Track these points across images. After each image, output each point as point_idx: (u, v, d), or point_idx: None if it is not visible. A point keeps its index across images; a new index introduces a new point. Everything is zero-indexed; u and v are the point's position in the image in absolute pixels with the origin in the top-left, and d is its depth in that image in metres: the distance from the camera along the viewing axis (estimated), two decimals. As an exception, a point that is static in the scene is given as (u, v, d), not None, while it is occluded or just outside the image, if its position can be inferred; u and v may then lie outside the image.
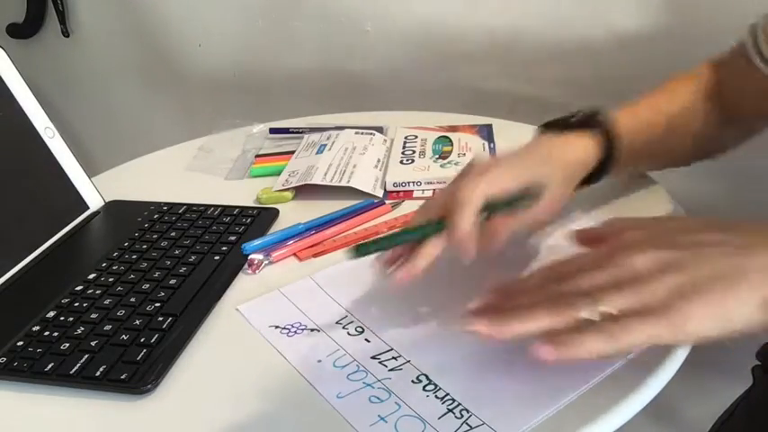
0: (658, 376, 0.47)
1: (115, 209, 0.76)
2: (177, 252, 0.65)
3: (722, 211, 1.00)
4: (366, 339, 0.53)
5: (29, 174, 0.71)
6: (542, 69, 1.03)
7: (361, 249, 0.52)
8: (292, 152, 0.84)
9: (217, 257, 0.64)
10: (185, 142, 0.93)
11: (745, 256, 0.42)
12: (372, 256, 0.54)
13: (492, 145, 0.81)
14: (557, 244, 0.61)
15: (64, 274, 0.64)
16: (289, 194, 0.75)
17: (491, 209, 0.53)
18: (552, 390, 0.46)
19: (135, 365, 0.51)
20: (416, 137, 0.85)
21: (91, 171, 0.77)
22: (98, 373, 0.51)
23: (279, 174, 0.79)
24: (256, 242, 0.66)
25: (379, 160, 0.80)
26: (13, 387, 0.52)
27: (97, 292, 0.60)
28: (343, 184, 0.74)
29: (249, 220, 0.70)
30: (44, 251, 0.68)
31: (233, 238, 0.67)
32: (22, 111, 0.72)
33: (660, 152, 0.66)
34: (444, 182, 0.74)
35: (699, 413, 0.96)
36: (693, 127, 0.66)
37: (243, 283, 0.62)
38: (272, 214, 0.71)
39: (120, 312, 0.57)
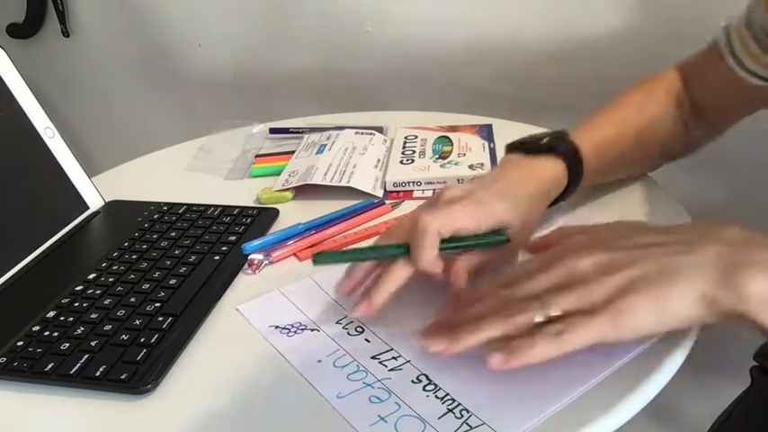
0: (658, 376, 0.47)
1: (115, 209, 0.76)
2: (177, 252, 0.65)
3: (722, 211, 1.00)
4: (366, 339, 0.53)
5: (29, 174, 0.71)
6: (542, 69, 1.03)
7: (320, 258, 0.53)
8: (292, 152, 0.84)
9: (217, 257, 0.64)
10: (185, 142, 0.93)
11: (684, 254, 0.44)
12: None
13: (492, 145, 0.81)
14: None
15: (64, 274, 0.64)
16: (289, 194, 0.75)
17: (458, 243, 0.52)
18: (552, 390, 0.46)
19: (135, 365, 0.51)
20: (416, 137, 0.85)
21: (91, 171, 0.77)
22: (98, 373, 0.51)
23: (279, 174, 0.79)
24: (256, 242, 0.66)
25: (379, 160, 0.80)
26: (13, 387, 0.52)
27: (97, 292, 0.60)
28: (343, 184, 0.74)
29: (249, 220, 0.70)
30: (44, 251, 0.68)
31: (233, 238, 0.67)
32: (22, 111, 0.72)
33: (628, 164, 0.67)
34: (444, 182, 0.74)
35: (698, 413, 0.96)
36: (662, 135, 0.67)
37: (243, 283, 0.62)
38: (272, 214, 0.71)
39: (120, 312, 0.57)
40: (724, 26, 0.63)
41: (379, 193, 0.74)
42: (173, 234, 0.69)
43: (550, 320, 0.45)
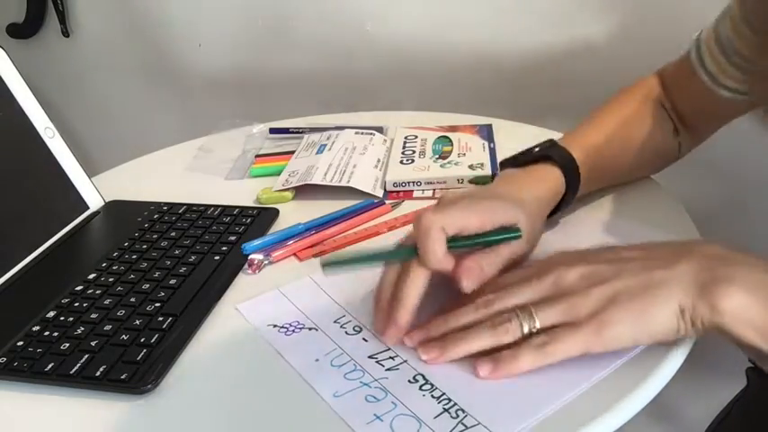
0: (658, 377, 0.47)
1: (115, 209, 0.76)
2: (177, 252, 0.66)
3: (722, 211, 1.00)
4: (363, 339, 0.53)
5: (29, 174, 0.71)
6: (542, 69, 1.03)
7: (329, 266, 0.52)
8: (292, 152, 0.84)
9: (217, 257, 0.64)
10: (185, 142, 0.93)
11: (664, 269, 0.46)
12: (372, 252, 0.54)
13: (492, 145, 0.81)
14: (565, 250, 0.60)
15: (64, 274, 0.64)
16: (289, 194, 0.75)
17: (467, 240, 0.51)
18: (548, 390, 0.46)
19: (135, 365, 0.51)
20: (416, 137, 0.85)
21: (91, 171, 0.77)
22: (98, 373, 0.51)
23: (279, 174, 0.79)
24: (256, 242, 0.66)
25: (379, 160, 0.80)
26: (13, 387, 0.52)
27: (97, 292, 0.60)
28: (343, 184, 0.74)
29: (249, 220, 0.70)
30: (44, 251, 0.68)
31: (233, 238, 0.67)
32: (22, 111, 0.72)
33: (620, 169, 0.67)
34: (444, 182, 0.74)
35: (696, 413, 0.96)
36: (653, 141, 0.67)
37: (243, 283, 0.62)
38: (272, 214, 0.72)
39: (121, 312, 0.57)
40: (695, 38, 0.64)
41: (379, 193, 0.74)
42: (173, 234, 0.69)
43: (537, 330, 0.47)
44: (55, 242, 0.69)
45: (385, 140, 0.85)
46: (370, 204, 0.71)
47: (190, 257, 0.64)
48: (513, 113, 0.89)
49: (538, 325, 0.47)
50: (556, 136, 0.65)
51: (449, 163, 0.77)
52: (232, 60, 1.29)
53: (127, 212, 0.74)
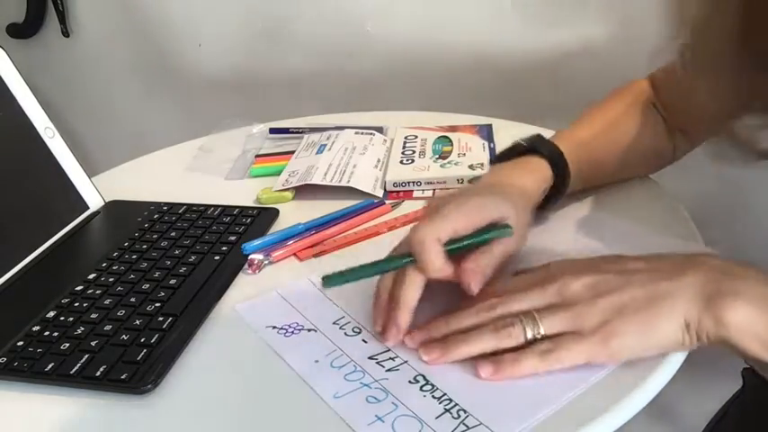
0: (657, 377, 0.47)
1: (115, 209, 0.76)
2: (177, 252, 0.66)
3: (722, 211, 1.00)
4: (363, 340, 0.53)
5: (29, 174, 0.71)
6: (542, 69, 1.03)
7: (329, 281, 0.52)
8: (292, 152, 0.84)
9: (217, 257, 0.64)
10: (185, 142, 0.93)
11: (670, 281, 0.47)
12: (371, 256, 0.54)
13: (492, 145, 0.81)
14: (565, 249, 0.60)
15: (64, 274, 0.64)
16: (289, 194, 0.75)
17: (459, 243, 0.52)
18: (550, 390, 0.46)
19: (135, 365, 0.51)
20: (416, 137, 0.85)
21: (91, 171, 0.77)
22: (98, 373, 0.51)
23: (279, 174, 0.79)
24: (256, 242, 0.66)
25: (379, 160, 0.80)
26: (13, 387, 0.52)
27: (97, 292, 0.60)
28: (343, 184, 0.74)
29: (249, 220, 0.70)
30: (44, 251, 0.68)
31: (233, 238, 0.67)
32: (22, 111, 0.72)
33: (613, 165, 0.67)
34: (444, 182, 0.74)
35: (694, 413, 0.96)
36: (640, 143, 0.67)
37: (243, 283, 0.62)
38: (272, 214, 0.72)
39: (121, 312, 0.57)
40: (681, 43, 0.63)
41: (379, 193, 0.74)
42: (173, 234, 0.69)
43: (541, 337, 0.47)
44: (55, 242, 0.69)
45: (385, 140, 0.85)
46: (370, 204, 0.71)
47: (190, 257, 0.64)
48: (513, 113, 0.89)
49: (542, 331, 0.47)
50: (555, 136, 0.65)
51: (449, 163, 0.77)
52: (232, 60, 1.28)
53: (127, 212, 0.74)
